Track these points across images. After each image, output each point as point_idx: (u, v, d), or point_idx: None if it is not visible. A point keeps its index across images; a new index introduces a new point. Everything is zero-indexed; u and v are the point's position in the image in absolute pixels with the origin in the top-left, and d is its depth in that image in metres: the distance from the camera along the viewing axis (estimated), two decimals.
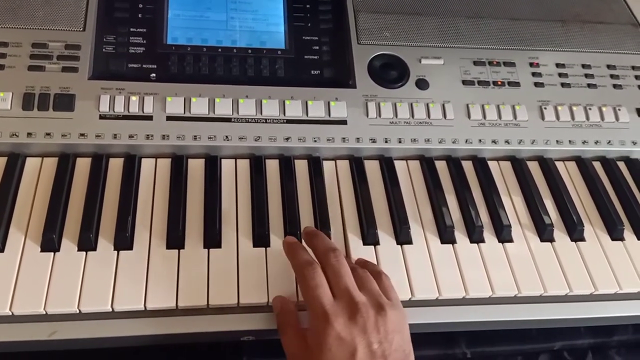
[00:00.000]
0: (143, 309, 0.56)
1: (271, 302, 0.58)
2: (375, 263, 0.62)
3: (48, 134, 0.64)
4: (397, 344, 0.52)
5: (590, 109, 0.76)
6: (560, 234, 0.67)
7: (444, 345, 0.66)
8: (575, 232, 0.67)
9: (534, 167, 0.74)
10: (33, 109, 0.65)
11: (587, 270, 0.65)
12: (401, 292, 0.60)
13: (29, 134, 0.63)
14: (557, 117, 0.75)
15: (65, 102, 0.65)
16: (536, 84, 0.77)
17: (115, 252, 0.59)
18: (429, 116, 0.72)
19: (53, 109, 0.65)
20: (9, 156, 0.64)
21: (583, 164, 0.75)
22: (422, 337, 0.64)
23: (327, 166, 0.70)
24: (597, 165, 0.75)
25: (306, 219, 0.65)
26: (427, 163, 0.71)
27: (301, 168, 0.69)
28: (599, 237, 0.68)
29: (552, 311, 0.63)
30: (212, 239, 0.61)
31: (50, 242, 0.58)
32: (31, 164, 0.65)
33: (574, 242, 0.67)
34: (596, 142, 0.74)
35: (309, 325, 0.53)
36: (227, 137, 0.67)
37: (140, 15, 0.73)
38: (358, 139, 0.70)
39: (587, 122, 0.75)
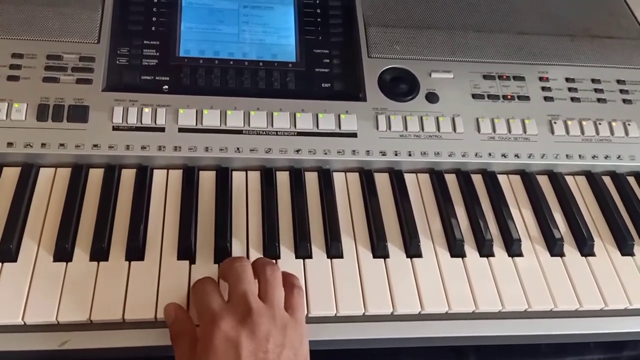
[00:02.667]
0: (154, 319, 0.56)
1: (162, 312, 0.55)
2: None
3: (62, 145, 0.64)
4: (286, 357, 0.50)
5: (600, 123, 0.76)
6: (570, 249, 0.67)
7: (453, 359, 0.66)
8: (586, 247, 0.67)
9: (543, 182, 0.74)
10: (47, 119, 0.65)
11: (597, 286, 0.64)
12: (411, 305, 0.60)
13: (43, 145, 0.64)
14: (567, 132, 0.75)
15: (79, 113, 0.66)
16: (546, 98, 0.77)
17: (127, 262, 0.59)
18: (438, 129, 0.72)
19: (67, 120, 0.66)
20: (23, 166, 0.65)
21: (593, 178, 0.75)
22: (431, 351, 0.65)
23: (338, 179, 0.70)
24: (607, 180, 0.75)
25: (316, 231, 0.65)
26: (436, 176, 0.72)
27: (311, 180, 0.70)
28: (609, 252, 0.68)
29: (562, 326, 0.63)
30: (222, 253, 0.61)
31: (63, 252, 0.59)
32: (45, 174, 0.65)
33: (584, 257, 0.67)
34: (606, 157, 0.74)
35: (199, 334, 0.52)
36: (238, 149, 0.68)
37: (153, 28, 0.74)
38: (368, 151, 0.70)
39: (597, 136, 0.75)
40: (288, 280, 0.57)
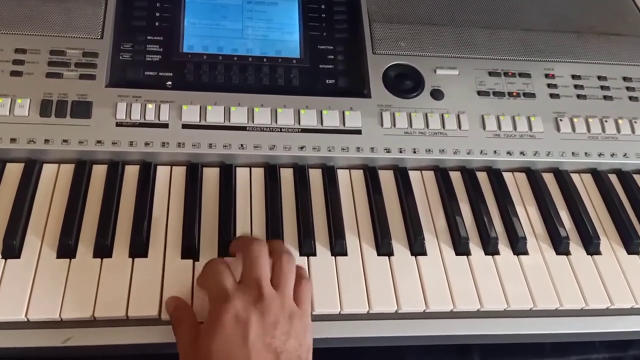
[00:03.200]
0: (158, 316, 0.56)
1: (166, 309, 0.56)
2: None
3: (65, 141, 0.64)
4: (291, 346, 0.51)
5: (606, 121, 0.75)
6: (576, 247, 0.67)
7: (457, 357, 0.66)
8: (591, 246, 0.67)
9: (549, 179, 0.73)
10: (50, 115, 0.65)
11: (603, 284, 0.64)
12: (415, 303, 0.60)
13: (46, 141, 0.64)
14: (573, 129, 0.74)
15: (82, 109, 0.66)
16: (552, 95, 0.76)
17: (131, 259, 0.59)
18: (443, 127, 0.72)
19: (70, 116, 0.65)
20: (26, 162, 0.64)
21: (599, 176, 0.74)
22: (435, 349, 0.64)
23: (342, 176, 0.70)
24: (613, 178, 0.75)
25: (320, 228, 0.64)
26: (441, 174, 0.71)
27: (315, 177, 0.69)
28: (615, 250, 0.68)
29: (567, 325, 0.62)
30: (225, 250, 0.61)
31: (66, 249, 0.58)
32: (48, 170, 0.65)
33: (589, 256, 0.67)
34: (612, 155, 0.74)
35: (208, 313, 0.53)
36: (242, 145, 0.67)
37: (157, 24, 0.73)
38: (372, 148, 0.70)
39: (603, 134, 0.75)
40: (297, 272, 0.57)
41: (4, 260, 0.57)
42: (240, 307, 0.51)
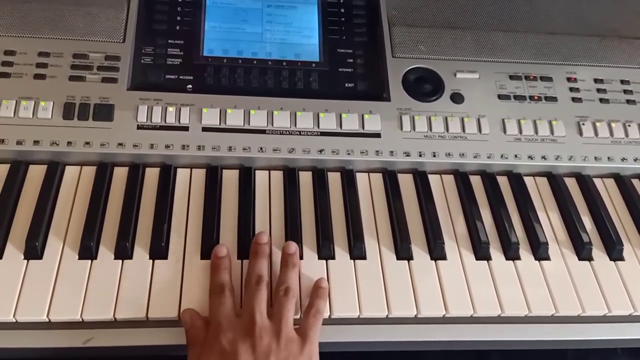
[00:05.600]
0: (177, 318, 0.56)
1: (181, 315, 0.56)
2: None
3: (87, 143, 0.65)
4: None
5: (629, 125, 0.74)
6: (598, 253, 0.66)
7: None
8: (614, 252, 0.66)
9: (571, 184, 0.72)
10: (73, 118, 0.66)
11: (626, 291, 0.63)
12: (435, 308, 0.59)
13: (69, 143, 0.65)
14: (596, 133, 0.73)
15: (104, 112, 0.66)
16: (574, 99, 0.76)
17: (151, 261, 0.59)
18: (463, 130, 0.72)
19: (93, 118, 0.66)
20: (49, 164, 0.65)
21: (622, 181, 0.73)
22: (455, 355, 0.64)
23: (361, 179, 0.70)
24: (636, 182, 0.74)
25: (339, 232, 0.64)
26: (461, 178, 0.71)
27: (334, 181, 0.69)
28: (638, 256, 0.67)
29: (589, 331, 0.62)
30: (245, 252, 0.61)
31: (88, 250, 0.59)
32: (70, 172, 0.66)
33: (612, 262, 0.66)
34: (635, 160, 0.73)
35: (205, 339, 0.54)
36: (261, 148, 0.67)
37: (178, 28, 0.74)
38: (392, 152, 0.69)
39: (626, 138, 0.74)
40: (314, 304, 0.57)
41: (26, 261, 0.58)
42: (228, 341, 0.52)
